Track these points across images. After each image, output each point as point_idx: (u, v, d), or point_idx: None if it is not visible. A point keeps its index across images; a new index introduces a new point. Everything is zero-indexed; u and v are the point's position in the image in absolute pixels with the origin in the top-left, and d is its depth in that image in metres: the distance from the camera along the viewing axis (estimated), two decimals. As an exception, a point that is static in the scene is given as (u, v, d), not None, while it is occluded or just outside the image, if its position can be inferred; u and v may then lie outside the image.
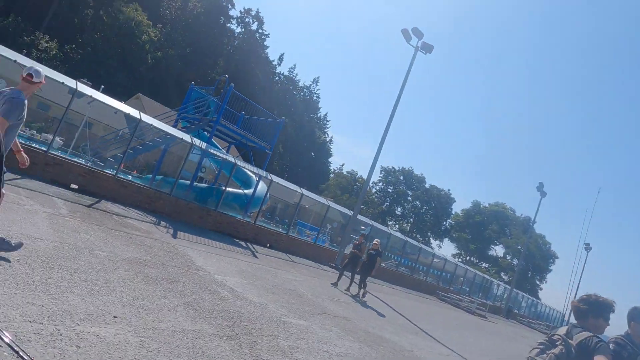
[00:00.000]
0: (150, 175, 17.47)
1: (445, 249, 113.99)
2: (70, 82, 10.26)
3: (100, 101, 11.12)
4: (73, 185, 10.16)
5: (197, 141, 12.93)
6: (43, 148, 10.39)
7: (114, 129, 25.52)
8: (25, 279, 4.06)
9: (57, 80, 9.97)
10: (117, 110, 11.95)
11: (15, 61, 9.41)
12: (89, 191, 10.31)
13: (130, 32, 52.15)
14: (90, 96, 10.32)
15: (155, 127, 12.01)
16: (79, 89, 9.99)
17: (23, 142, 10.91)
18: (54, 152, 10.44)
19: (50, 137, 18.68)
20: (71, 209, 8.09)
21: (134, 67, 51.65)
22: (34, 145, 11.31)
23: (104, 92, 27.89)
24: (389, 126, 19.61)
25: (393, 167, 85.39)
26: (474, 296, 28.99)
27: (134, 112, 11.26)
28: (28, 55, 37.10)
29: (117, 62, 50.14)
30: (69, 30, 48.95)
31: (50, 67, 33.29)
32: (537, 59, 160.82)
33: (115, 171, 11.21)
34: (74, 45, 49.20)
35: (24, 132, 20.93)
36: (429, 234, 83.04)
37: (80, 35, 50.22)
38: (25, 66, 6.07)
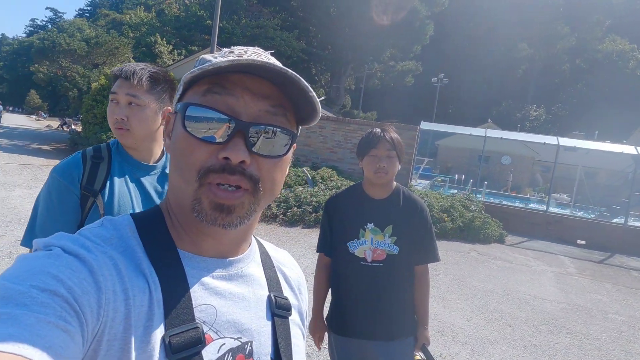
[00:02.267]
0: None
1: None
2: (552, 140, 10.41)
3: (589, 149, 10.57)
4: (580, 241, 9.75)
5: None
6: (541, 208, 10.80)
7: (619, 172, 23.02)
8: (531, 341, 4.10)
9: (540, 143, 10.43)
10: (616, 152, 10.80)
11: (521, 141, 10.75)
12: (597, 245, 9.52)
13: (614, 66, 47.87)
14: (574, 147, 10.00)
15: (663, 158, 9.84)
16: (560, 143, 9.94)
17: (519, 205, 11.83)
18: (552, 210, 10.60)
19: (558, 195, 19.16)
20: (579, 267, 7.70)
21: (629, 99, 46.19)
22: (531, 205, 11.99)
23: (599, 137, 26.22)
24: None
25: None
26: None
27: (627, 149, 9.79)
28: (522, 129, 41.54)
29: (609, 101, 46.65)
30: (549, 93, 51.17)
31: (541, 132, 35.44)
32: None
33: (624, 219, 9.88)
34: (560, 104, 50.55)
35: (533, 196, 22.42)
36: None
37: (562, 91, 51.27)
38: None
